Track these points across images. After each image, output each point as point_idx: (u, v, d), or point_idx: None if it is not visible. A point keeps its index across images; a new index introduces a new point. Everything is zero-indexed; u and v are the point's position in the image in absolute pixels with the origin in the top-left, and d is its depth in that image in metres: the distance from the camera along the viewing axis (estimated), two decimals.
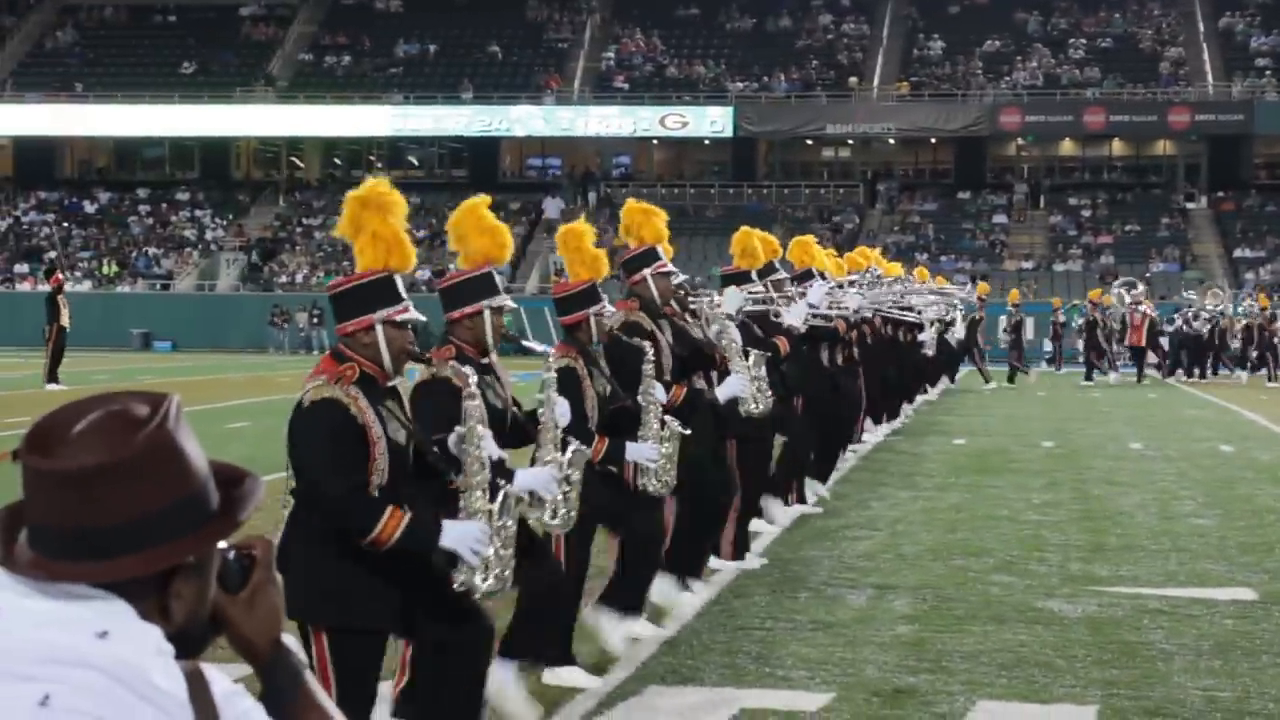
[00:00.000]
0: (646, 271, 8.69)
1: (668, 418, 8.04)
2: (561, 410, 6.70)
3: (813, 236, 15.50)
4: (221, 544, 2.11)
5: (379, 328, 5.35)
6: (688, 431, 8.14)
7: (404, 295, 5.47)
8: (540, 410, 6.63)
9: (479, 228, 6.59)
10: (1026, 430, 22.49)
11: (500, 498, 5.54)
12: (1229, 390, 33.07)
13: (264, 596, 2.12)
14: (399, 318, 5.39)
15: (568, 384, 7.36)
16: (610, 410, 7.70)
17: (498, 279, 6.62)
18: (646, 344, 8.11)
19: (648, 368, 7.97)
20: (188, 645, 2.01)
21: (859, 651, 8.21)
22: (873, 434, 19.77)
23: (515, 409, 6.61)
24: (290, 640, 2.13)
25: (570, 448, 6.66)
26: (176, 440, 2.01)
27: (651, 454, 7.88)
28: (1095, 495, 15.05)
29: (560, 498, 6.55)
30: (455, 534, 5.36)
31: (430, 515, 5.38)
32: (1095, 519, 13.40)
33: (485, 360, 6.49)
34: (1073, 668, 7.94)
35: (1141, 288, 39.65)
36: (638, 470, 8.05)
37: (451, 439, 5.63)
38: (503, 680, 6.48)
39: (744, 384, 9.33)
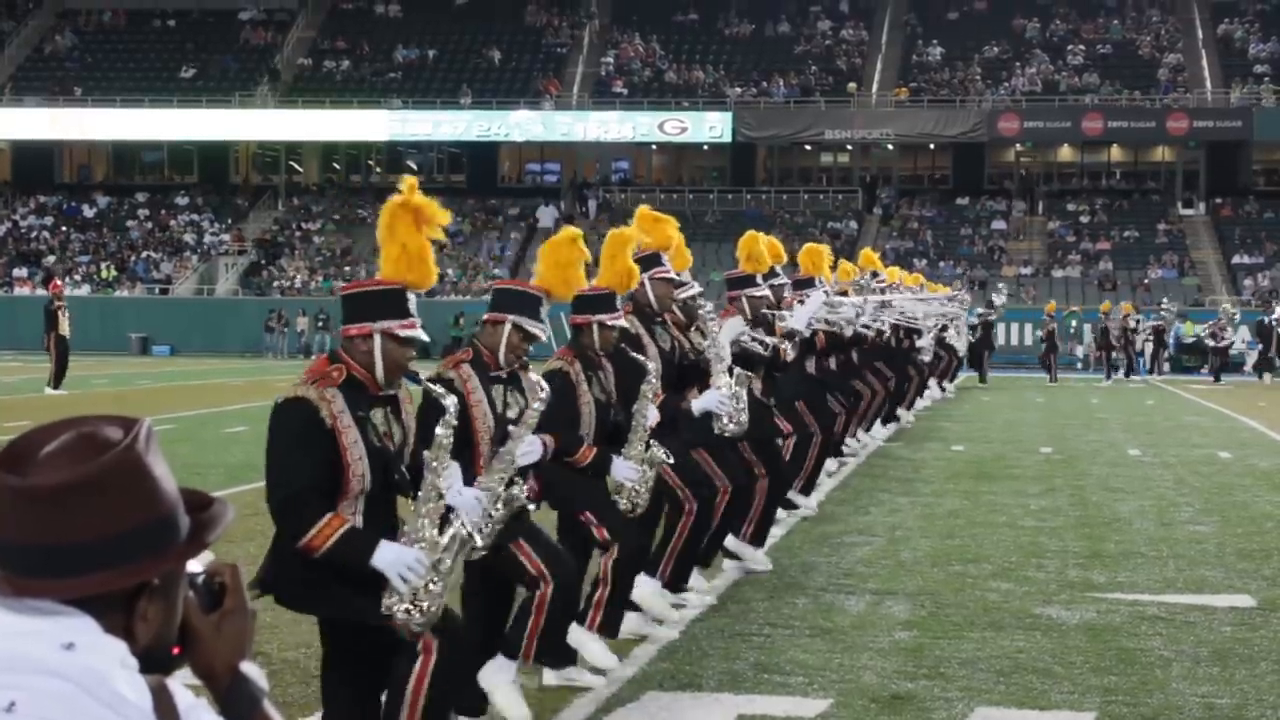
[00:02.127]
0: (644, 276, 8.68)
1: (653, 442, 7.98)
2: (525, 449, 6.56)
3: (827, 247, 15.44)
4: (195, 567, 2.13)
5: (377, 338, 5.31)
6: (671, 460, 8.09)
7: (413, 312, 5.40)
8: (508, 444, 6.44)
9: (561, 260, 6.64)
10: (1025, 436, 22.50)
11: (449, 534, 5.36)
12: (1227, 397, 33.09)
13: (232, 621, 2.15)
14: (401, 333, 5.32)
15: (560, 389, 7.33)
16: (610, 422, 7.68)
17: (543, 306, 6.62)
18: (650, 364, 8.08)
19: (646, 388, 7.94)
20: (153, 667, 2.03)
21: (857, 658, 8.21)
22: (865, 440, 19.76)
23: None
24: (251, 668, 2.16)
25: (514, 488, 6.49)
26: (145, 462, 2.03)
27: (632, 474, 7.82)
28: (1093, 502, 15.05)
29: (482, 528, 6.23)
30: (389, 556, 5.17)
31: (372, 532, 5.23)
32: (1093, 525, 13.40)
33: (501, 372, 6.48)
34: (1070, 674, 7.94)
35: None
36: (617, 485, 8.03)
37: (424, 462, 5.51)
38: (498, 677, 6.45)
39: (721, 403, 9.24)
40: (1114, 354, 41.34)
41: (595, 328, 7.55)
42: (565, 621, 6.79)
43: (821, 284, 13.93)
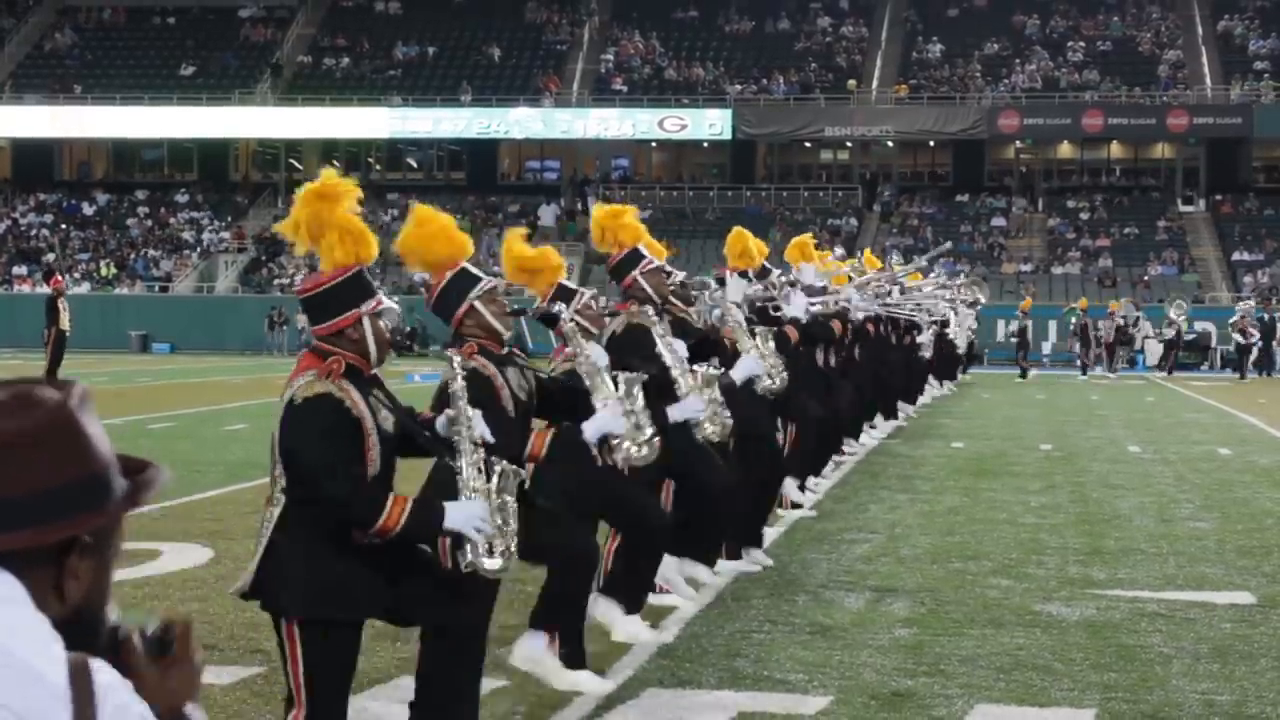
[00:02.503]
0: (635, 273, 8.67)
1: (697, 366, 8.00)
2: (596, 353, 6.70)
3: (809, 236, 15.41)
4: (151, 626, 2.15)
5: (366, 321, 5.40)
6: (722, 370, 8.13)
7: (375, 286, 5.59)
8: (580, 363, 6.65)
9: (423, 235, 6.55)
10: (1024, 433, 22.49)
11: (497, 474, 5.58)
12: (1227, 393, 33.11)
13: (177, 672, 2.16)
14: (381, 308, 5.47)
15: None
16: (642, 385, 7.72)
17: (475, 270, 6.66)
18: (648, 308, 8.09)
19: (657, 330, 7.95)
20: (81, 636, 2.03)
21: (857, 655, 8.21)
22: (869, 436, 19.78)
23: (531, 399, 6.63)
24: (195, 713, 2.17)
25: (625, 380, 6.70)
26: (78, 420, 2.06)
27: (697, 405, 7.86)
28: (1093, 498, 15.05)
29: (638, 428, 6.56)
30: (459, 515, 5.42)
31: (431, 500, 5.49)
32: (1093, 522, 13.39)
33: (504, 351, 6.53)
34: (1070, 671, 7.93)
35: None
36: (691, 426, 7.99)
37: (440, 422, 5.66)
38: (535, 649, 6.52)
39: (757, 362, 9.24)
40: (1092, 350, 42.10)
41: (577, 320, 7.54)
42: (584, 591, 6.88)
43: (810, 269, 13.88)
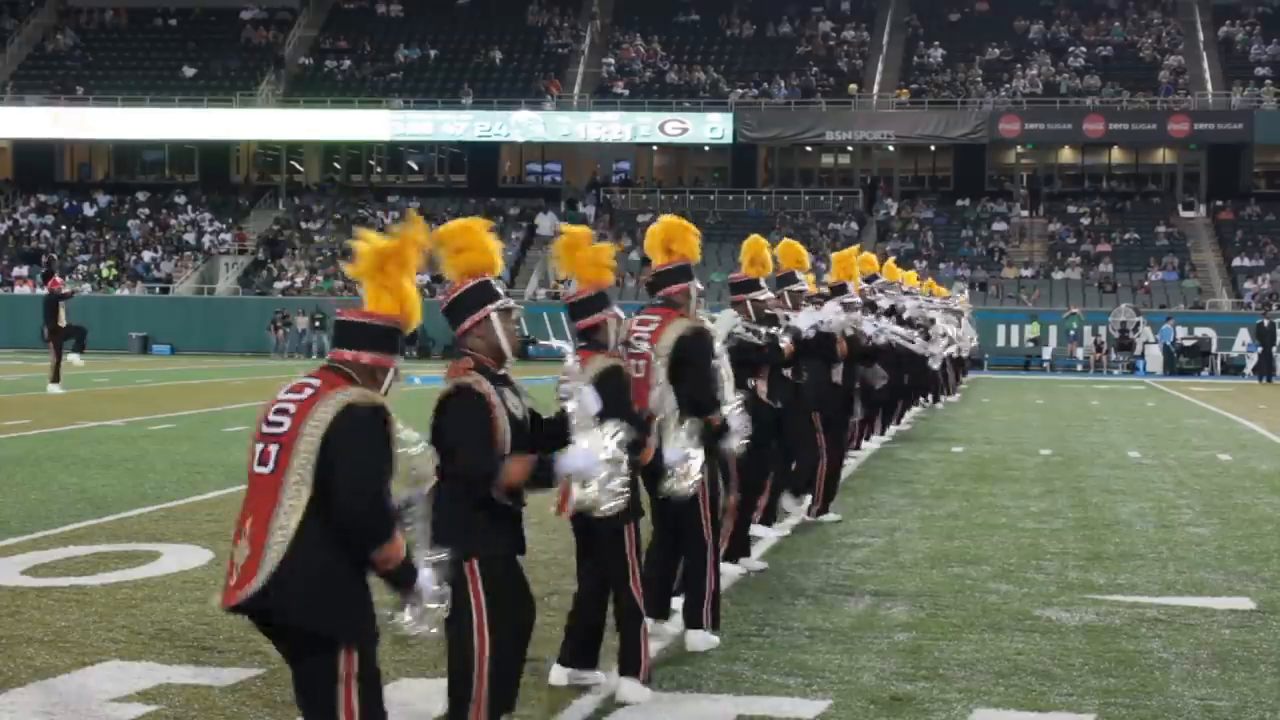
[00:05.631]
0: (690, 284, 8.66)
1: (689, 421, 8.04)
2: (590, 399, 6.44)
3: (798, 244, 15.35)
4: None
5: (389, 373, 5.47)
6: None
7: (401, 346, 5.62)
8: (568, 407, 6.38)
9: (464, 245, 6.51)
10: (1025, 438, 22.50)
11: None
12: (1227, 399, 33.11)
13: None
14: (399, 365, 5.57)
15: (619, 386, 7.26)
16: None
17: (497, 284, 6.53)
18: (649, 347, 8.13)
19: (659, 374, 8.00)
20: None
21: (856, 659, 8.21)
22: (871, 442, 19.80)
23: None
24: None
25: (612, 430, 6.35)
26: None
27: (678, 457, 7.89)
28: (1093, 503, 15.05)
29: (607, 477, 6.27)
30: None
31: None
32: (1093, 527, 13.39)
33: (501, 371, 6.38)
34: (1070, 676, 7.94)
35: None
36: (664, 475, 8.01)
37: None
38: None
39: (731, 416, 9.23)
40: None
41: (610, 323, 7.50)
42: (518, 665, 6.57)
43: (850, 290, 13.88)
